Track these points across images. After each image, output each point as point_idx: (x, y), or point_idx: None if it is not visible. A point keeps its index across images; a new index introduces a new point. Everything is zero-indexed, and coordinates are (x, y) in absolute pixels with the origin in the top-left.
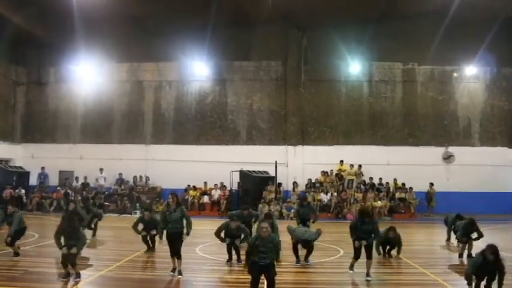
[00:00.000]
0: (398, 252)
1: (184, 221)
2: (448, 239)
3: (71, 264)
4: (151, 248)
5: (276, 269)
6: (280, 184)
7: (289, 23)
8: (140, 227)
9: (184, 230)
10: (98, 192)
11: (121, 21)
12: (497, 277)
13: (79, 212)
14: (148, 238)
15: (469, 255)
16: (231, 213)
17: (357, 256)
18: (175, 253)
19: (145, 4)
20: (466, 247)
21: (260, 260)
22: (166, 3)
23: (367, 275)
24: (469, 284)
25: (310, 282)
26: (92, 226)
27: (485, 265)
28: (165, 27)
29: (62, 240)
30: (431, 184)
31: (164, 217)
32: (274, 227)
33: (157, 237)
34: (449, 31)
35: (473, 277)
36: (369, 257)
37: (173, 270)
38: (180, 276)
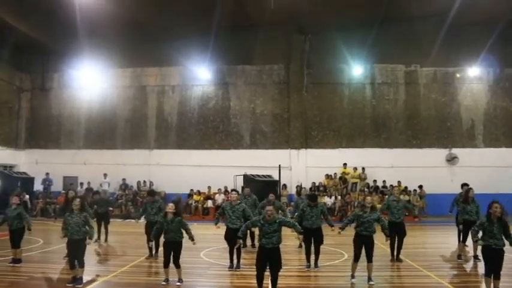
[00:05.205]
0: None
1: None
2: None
3: (77, 256)
4: (153, 255)
5: (280, 273)
6: (285, 186)
7: (291, 27)
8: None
9: (183, 238)
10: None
11: (124, 26)
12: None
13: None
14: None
15: (475, 257)
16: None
17: (357, 258)
18: (174, 262)
19: (147, 9)
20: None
21: (266, 244)
22: (169, 8)
23: (369, 279)
24: (474, 239)
25: (314, 286)
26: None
27: (489, 223)
28: (167, 32)
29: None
30: (420, 186)
31: (161, 225)
32: (281, 208)
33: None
34: (451, 32)
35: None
36: (370, 260)
37: (166, 280)
38: (179, 283)
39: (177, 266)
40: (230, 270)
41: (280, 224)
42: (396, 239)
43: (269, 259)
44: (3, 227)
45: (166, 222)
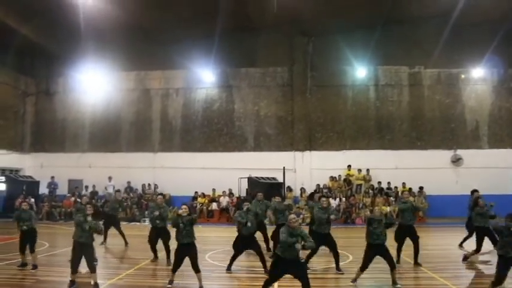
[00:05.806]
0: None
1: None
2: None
3: (88, 261)
4: (157, 258)
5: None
6: (290, 188)
7: (294, 29)
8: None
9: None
10: (107, 201)
11: (127, 30)
12: None
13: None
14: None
15: None
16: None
17: (364, 268)
18: (194, 266)
19: (151, 13)
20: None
21: (286, 256)
22: (172, 12)
23: (394, 283)
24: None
25: None
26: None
27: (508, 233)
28: (171, 35)
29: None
30: (421, 188)
31: (177, 224)
32: (289, 208)
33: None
34: (455, 33)
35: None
36: (393, 266)
37: (170, 282)
38: None
39: (197, 270)
40: (228, 272)
41: (302, 236)
42: (411, 244)
43: (293, 270)
44: (13, 230)
45: (184, 224)
